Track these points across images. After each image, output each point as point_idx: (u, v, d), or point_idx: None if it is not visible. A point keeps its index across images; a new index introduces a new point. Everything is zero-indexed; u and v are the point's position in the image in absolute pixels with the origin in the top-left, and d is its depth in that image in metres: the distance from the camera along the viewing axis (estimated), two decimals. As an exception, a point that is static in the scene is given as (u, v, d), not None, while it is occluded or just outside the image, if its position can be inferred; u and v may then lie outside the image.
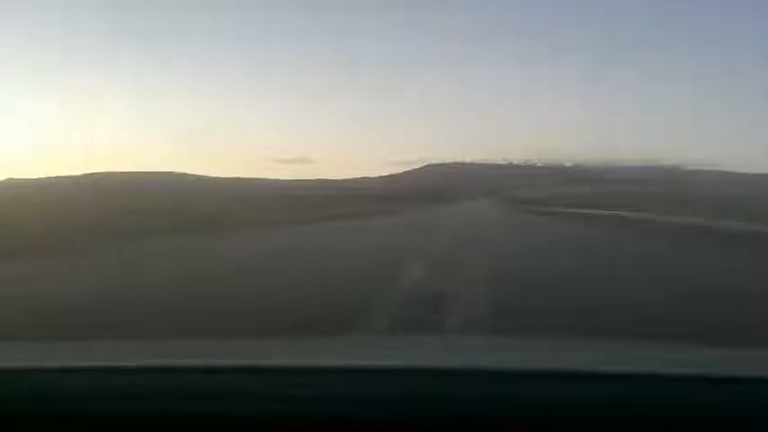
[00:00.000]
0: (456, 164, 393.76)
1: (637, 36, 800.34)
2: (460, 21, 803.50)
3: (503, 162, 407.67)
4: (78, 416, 1.39)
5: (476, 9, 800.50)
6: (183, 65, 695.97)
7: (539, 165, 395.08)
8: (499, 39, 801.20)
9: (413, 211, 57.71)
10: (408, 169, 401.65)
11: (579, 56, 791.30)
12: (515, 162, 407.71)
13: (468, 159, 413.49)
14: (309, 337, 3.48)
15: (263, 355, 1.86)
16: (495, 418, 1.32)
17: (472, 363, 1.63)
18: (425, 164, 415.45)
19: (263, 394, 1.38)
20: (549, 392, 1.34)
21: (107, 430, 1.38)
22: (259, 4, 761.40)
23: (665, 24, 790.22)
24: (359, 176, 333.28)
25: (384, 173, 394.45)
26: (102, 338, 4.57)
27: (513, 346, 2.15)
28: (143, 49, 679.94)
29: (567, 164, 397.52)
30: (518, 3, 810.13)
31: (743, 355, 1.89)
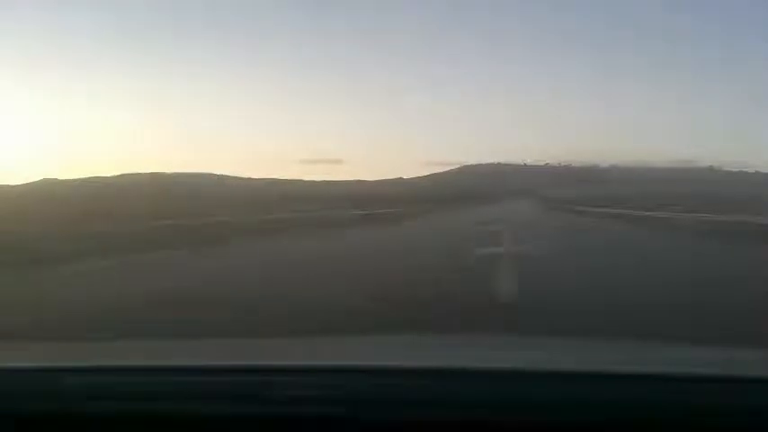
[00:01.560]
0: (493, 165, 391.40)
1: (672, 36, 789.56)
2: (494, 21, 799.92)
3: (539, 163, 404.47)
4: (78, 416, 1.41)
5: (510, 13, 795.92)
6: (214, 64, 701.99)
7: (574, 165, 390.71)
8: (533, 40, 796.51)
9: (460, 212, 57.35)
10: (443, 170, 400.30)
11: (613, 57, 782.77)
12: (552, 163, 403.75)
13: (504, 161, 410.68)
14: (309, 337, 3.30)
15: (263, 355, 1.87)
16: (495, 418, 1.33)
17: (472, 363, 1.62)
18: (461, 165, 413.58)
19: (263, 394, 1.39)
20: (550, 392, 1.35)
21: (107, 430, 1.40)
22: (292, 3, 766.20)
23: (699, 23, 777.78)
24: (393, 177, 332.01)
25: (418, 174, 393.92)
26: (101, 339, 4.48)
27: (514, 346, 2.17)
28: (173, 47, 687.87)
29: (603, 165, 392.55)
30: (552, 8, 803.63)
31: (743, 355, 1.88)
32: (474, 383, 1.40)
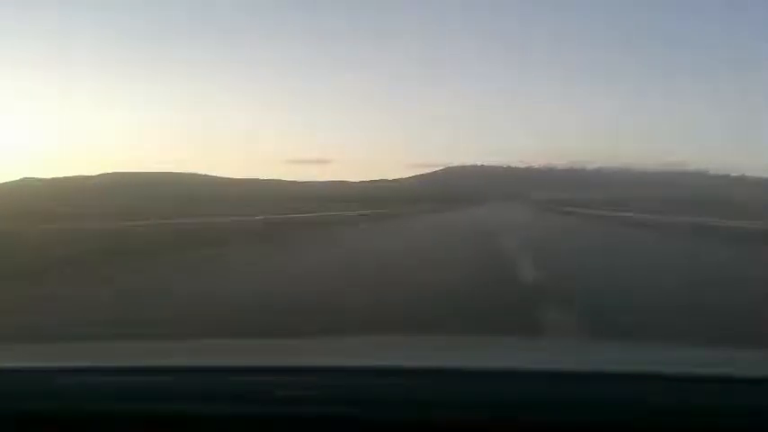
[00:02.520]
0: (477, 167, 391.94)
1: (663, 39, 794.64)
2: (481, 25, 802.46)
3: (524, 165, 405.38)
4: (78, 416, 1.41)
5: (497, 14, 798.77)
6: (202, 65, 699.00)
7: (560, 168, 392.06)
8: (521, 43, 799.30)
9: (444, 215, 55.48)
10: (429, 171, 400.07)
11: (602, 59, 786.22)
12: (537, 166, 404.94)
13: (488, 163, 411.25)
14: (309, 338, 3.30)
15: (264, 355, 1.86)
16: (495, 417, 1.33)
17: (472, 363, 1.63)
18: (446, 166, 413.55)
19: (263, 394, 1.39)
20: (550, 392, 1.35)
21: (107, 430, 1.39)
22: (281, 4, 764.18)
23: (693, 28, 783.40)
24: (377, 178, 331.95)
25: (405, 175, 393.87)
26: (101, 339, 4.29)
27: (514, 346, 2.15)
28: (163, 49, 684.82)
29: (589, 167, 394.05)
30: (540, 9, 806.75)
31: (743, 355, 1.88)
32: (474, 383, 1.40)
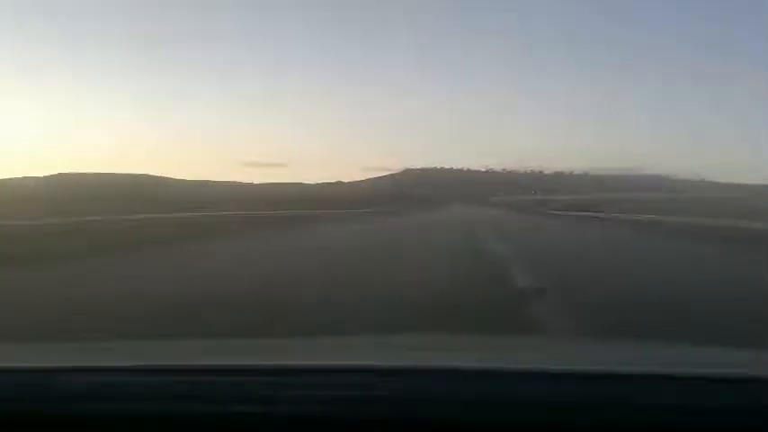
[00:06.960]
0: (436, 169, 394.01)
1: (621, 43, 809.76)
2: (440, 25, 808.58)
3: (484, 169, 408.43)
4: (78, 416, 1.40)
5: (459, 15, 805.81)
6: (156, 66, 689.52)
7: (520, 172, 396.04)
8: (481, 45, 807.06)
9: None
10: (386, 174, 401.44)
11: (560, 64, 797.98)
12: (496, 169, 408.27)
13: (447, 166, 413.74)
14: (309, 338, 3.36)
15: (264, 355, 1.87)
16: (495, 418, 1.33)
17: (472, 363, 1.62)
18: (403, 169, 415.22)
19: (263, 394, 1.38)
20: (549, 392, 1.35)
21: (107, 430, 1.39)
22: (237, 5, 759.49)
23: (658, 33, 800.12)
24: (333, 181, 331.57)
25: (360, 177, 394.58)
26: (101, 339, 4.36)
27: (514, 346, 2.14)
28: (116, 48, 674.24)
29: (547, 172, 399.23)
30: (503, 10, 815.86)
31: (743, 355, 1.88)
32: (474, 383, 1.40)
